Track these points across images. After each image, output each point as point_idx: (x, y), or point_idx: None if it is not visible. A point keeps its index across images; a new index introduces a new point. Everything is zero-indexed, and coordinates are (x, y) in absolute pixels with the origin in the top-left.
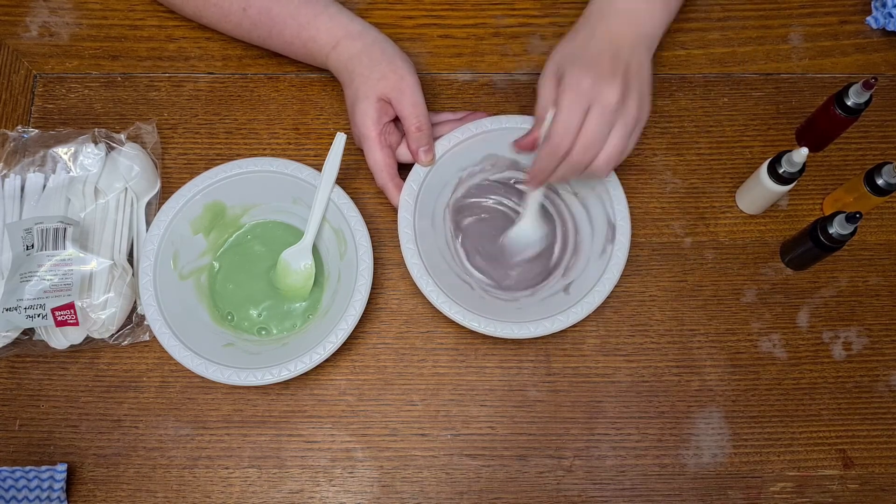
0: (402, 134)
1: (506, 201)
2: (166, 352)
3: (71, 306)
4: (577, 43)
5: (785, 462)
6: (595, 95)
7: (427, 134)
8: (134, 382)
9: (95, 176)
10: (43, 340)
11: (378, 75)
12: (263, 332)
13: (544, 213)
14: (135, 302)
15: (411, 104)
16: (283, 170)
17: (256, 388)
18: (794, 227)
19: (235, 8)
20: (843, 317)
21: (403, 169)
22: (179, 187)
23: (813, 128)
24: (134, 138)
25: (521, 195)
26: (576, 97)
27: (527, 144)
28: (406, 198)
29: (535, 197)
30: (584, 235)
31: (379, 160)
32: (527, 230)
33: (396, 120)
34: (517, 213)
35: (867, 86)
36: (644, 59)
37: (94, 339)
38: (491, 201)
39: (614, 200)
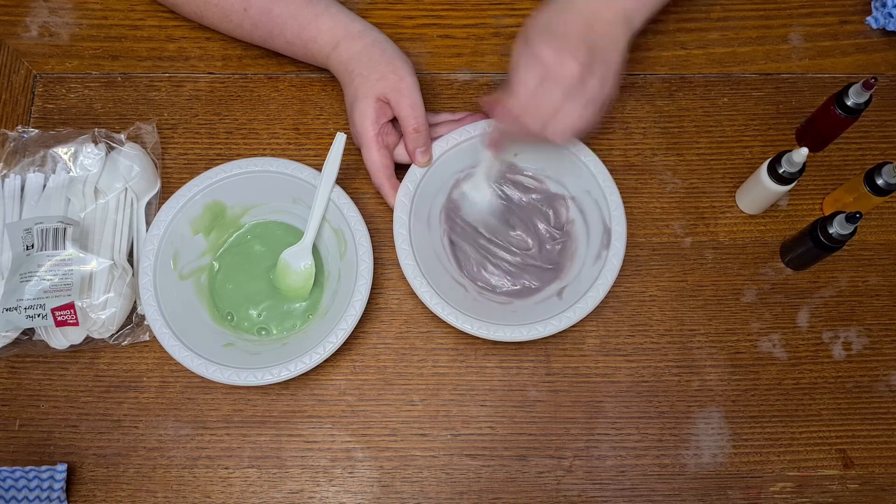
0: (400, 134)
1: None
2: (166, 352)
3: (71, 306)
4: (552, 12)
5: (785, 462)
6: (552, 66)
7: (424, 135)
8: (134, 382)
9: (95, 176)
10: (43, 340)
11: (377, 76)
12: (263, 333)
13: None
14: (135, 302)
15: (409, 105)
16: (283, 170)
17: (256, 388)
18: (794, 227)
19: (236, 8)
20: (843, 317)
21: (401, 169)
22: (179, 187)
23: (813, 128)
24: (134, 138)
25: (516, 195)
26: (533, 65)
27: (490, 103)
28: (402, 198)
29: (486, 161)
30: (580, 240)
31: (376, 160)
32: (479, 192)
33: (395, 120)
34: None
35: (867, 86)
36: (618, 39)
37: (94, 339)
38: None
39: (611, 206)
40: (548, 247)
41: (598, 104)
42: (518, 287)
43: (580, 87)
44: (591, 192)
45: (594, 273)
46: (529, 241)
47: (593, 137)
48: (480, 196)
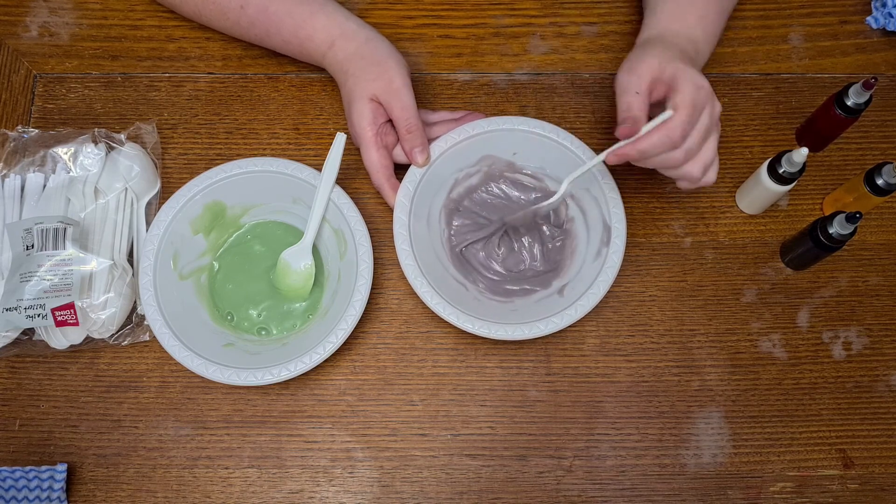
0: None
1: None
2: (166, 352)
3: (71, 306)
4: (666, 45)
5: (785, 462)
6: (708, 103)
7: (418, 135)
8: (134, 382)
9: (95, 176)
10: (43, 340)
11: (370, 76)
12: (263, 333)
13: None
14: (135, 302)
15: (401, 107)
16: (283, 170)
17: (256, 388)
18: (794, 227)
19: (233, 6)
20: (843, 317)
21: (402, 169)
22: (179, 187)
23: (813, 128)
24: (134, 138)
25: (515, 194)
26: (698, 100)
27: (628, 133)
28: (402, 198)
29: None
30: (580, 238)
31: (375, 161)
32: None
33: None
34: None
35: (867, 86)
36: (698, 60)
37: (94, 339)
38: (487, 201)
39: (610, 203)
40: (549, 245)
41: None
42: (518, 288)
43: (718, 125)
44: (591, 190)
45: (595, 270)
46: (534, 251)
47: (593, 137)
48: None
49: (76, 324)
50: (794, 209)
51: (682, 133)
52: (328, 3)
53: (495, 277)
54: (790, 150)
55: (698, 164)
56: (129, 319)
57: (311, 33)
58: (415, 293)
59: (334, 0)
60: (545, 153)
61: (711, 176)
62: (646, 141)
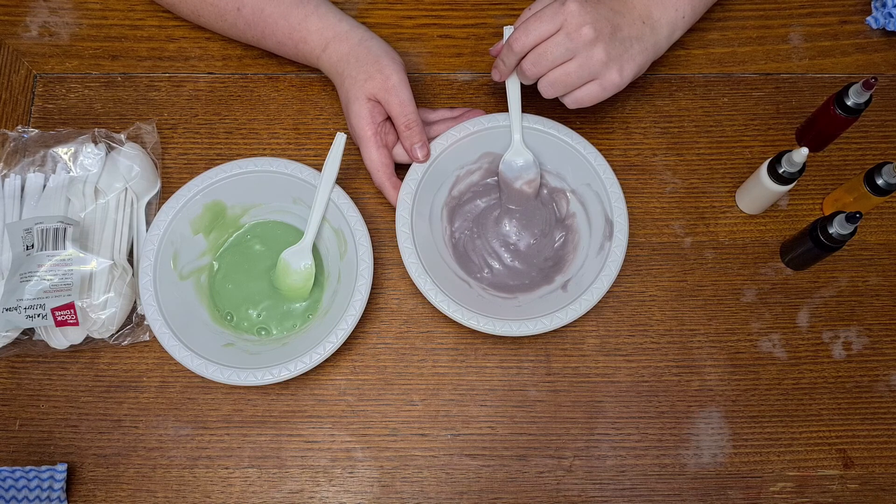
0: None
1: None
2: (166, 352)
3: (71, 306)
4: None
5: (785, 462)
6: (571, 22)
7: (417, 131)
8: (134, 382)
9: (95, 176)
10: (43, 340)
11: (364, 76)
12: (263, 333)
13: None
14: (135, 302)
15: (398, 103)
16: (283, 170)
17: (256, 388)
18: (794, 227)
19: (230, 7)
20: (843, 317)
21: (402, 170)
22: (179, 187)
23: (813, 128)
24: (134, 138)
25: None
26: (553, 13)
27: (497, 50)
28: (404, 197)
29: (514, 110)
30: (582, 233)
31: (375, 160)
32: (516, 153)
33: None
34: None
35: (867, 86)
36: (645, 37)
37: (94, 339)
38: (487, 199)
39: (612, 198)
40: (546, 241)
41: (599, 78)
42: (520, 283)
43: (588, 52)
44: (592, 185)
45: (598, 265)
46: (538, 240)
47: (593, 137)
48: (522, 156)
49: (76, 324)
50: (794, 209)
51: (518, 39)
52: (322, 5)
53: (500, 267)
54: (790, 150)
55: (545, 80)
56: (129, 319)
57: (305, 36)
58: (415, 293)
59: (329, 1)
60: (545, 148)
61: (529, 72)
62: (500, 55)
